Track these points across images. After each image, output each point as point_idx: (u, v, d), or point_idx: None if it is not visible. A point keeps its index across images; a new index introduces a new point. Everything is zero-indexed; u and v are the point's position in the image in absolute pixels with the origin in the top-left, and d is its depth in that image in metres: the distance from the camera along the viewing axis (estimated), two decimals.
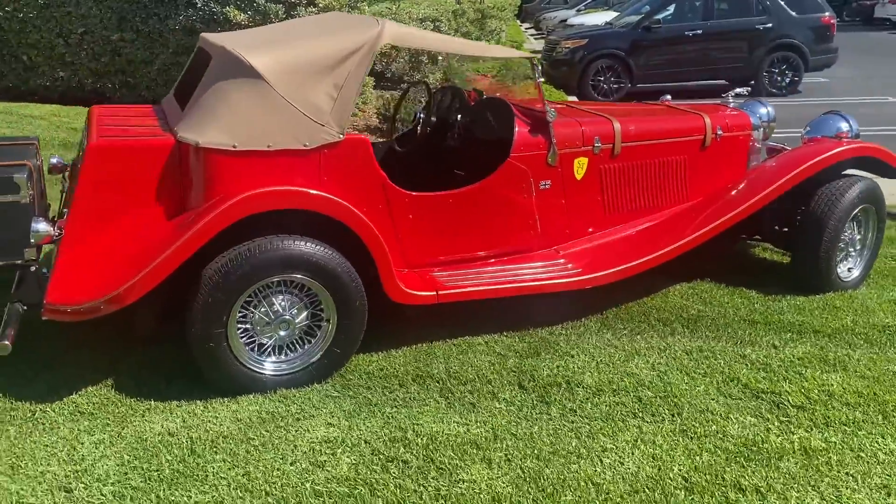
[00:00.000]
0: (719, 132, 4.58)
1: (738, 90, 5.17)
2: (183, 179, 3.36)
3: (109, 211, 3.30)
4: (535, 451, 2.93)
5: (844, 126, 4.92)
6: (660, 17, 13.43)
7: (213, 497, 2.70)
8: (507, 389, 3.38)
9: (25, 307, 3.32)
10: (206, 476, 2.80)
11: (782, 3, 13.29)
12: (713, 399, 3.31)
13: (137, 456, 2.92)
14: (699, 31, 13.21)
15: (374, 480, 2.77)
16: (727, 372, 3.52)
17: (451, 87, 4.65)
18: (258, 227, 3.24)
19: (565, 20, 25.56)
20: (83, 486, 2.76)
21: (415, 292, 3.55)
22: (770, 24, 13.10)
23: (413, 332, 3.83)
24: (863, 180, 4.46)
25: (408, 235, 3.70)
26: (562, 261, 4.03)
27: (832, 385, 3.38)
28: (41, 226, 3.18)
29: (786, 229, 4.66)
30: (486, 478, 2.77)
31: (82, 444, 3.00)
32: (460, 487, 2.73)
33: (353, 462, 2.88)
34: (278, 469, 2.84)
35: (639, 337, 3.90)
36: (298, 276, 3.28)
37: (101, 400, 3.30)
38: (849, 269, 4.59)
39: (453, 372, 3.51)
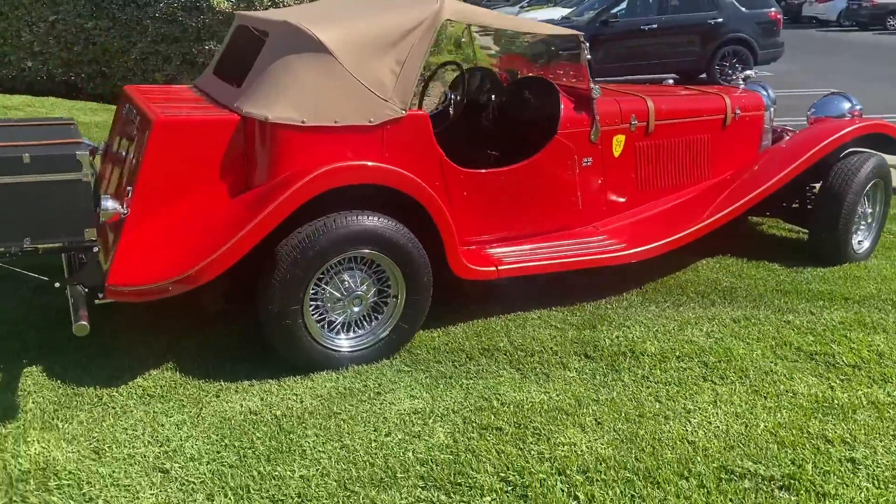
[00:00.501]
0: (738, 112, 4.74)
1: (747, 72, 5.35)
2: (247, 155, 3.31)
3: (174, 189, 3.23)
4: (623, 415, 3.00)
5: (847, 105, 5.15)
6: (615, 11, 13.73)
7: (317, 470, 2.67)
8: (575, 359, 3.44)
9: (87, 290, 3.21)
10: (304, 451, 2.78)
11: None
12: (772, 362, 3.43)
13: (225, 435, 2.87)
14: (654, 26, 13.51)
15: (474, 447, 2.79)
16: (777, 337, 3.66)
17: (481, 68, 4.68)
18: (316, 203, 3.21)
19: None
20: (178, 465, 2.70)
21: (477, 268, 3.57)
22: (721, 19, 13.51)
23: (466, 309, 3.85)
24: (874, 156, 4.68)
25: (461, 212, 3.72)
26: (603, 237, 4.12)
27: (879, 345, 3.56)
28: (110, 203, 3.08)
29: (795, 205, 4.87)
30: (583, 440, 2.83)
31: (162, 425, 2.93)
32: (562, 450, 2.77)
33: (449, 431, 2.89)
34: (375, 441, 2.84)
35: (682, 308, 4.01)
36: (370, 251, 3.26)
37: (168, 383, 3.22)
38: (859, 242, 4.81)
39: (518, 344, 3.55)
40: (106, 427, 2.92)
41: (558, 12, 18.80)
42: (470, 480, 2.62)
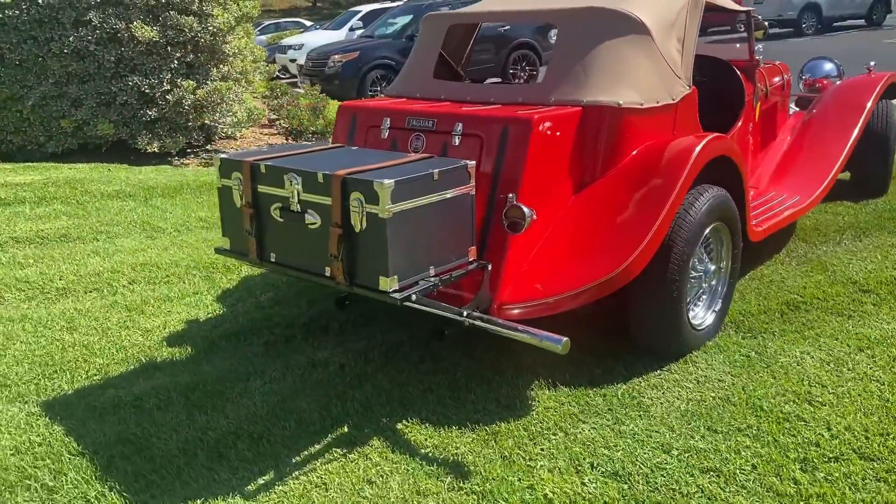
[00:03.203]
0: (786, 76, 5.39)
1: (759, 46, 6.04)
2: (587, 145, 3.14)
3: (545, 189, 2.99)
4: None
5: (829, 66, 6.10)
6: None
7: (838, 428, 2.69)
8: (863, 297, 3.74)
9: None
10: (799, 417, 2.77)
11: None
12: None
13: (711, 423, 2.76)
14: None
15: None
16: None
17: None
18: None
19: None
20: (716, 459, 2.56)
21: (757, 230, 3.73)
22: (507, 27, 14.62)
23: None
24: (888, 101, 5.61)
25: None
26: (773, 192, 4.47)
27: None
28: (527, 209, 2.77)
29: None
30: None
31: (633, 433, 2.73)
32: None
33: (881, 365, 3.05)
34: (846, 387, 2.92)
35: (844, 245, 4.49)
36: (717, 223, 3.28)
37: (572, 398, 2.97)
38: None
39: (804, 297, 3.76)
40: (587, 447, 2.65)
41: (324, 35, 18.97)
42: None
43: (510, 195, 2.87)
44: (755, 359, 3.21)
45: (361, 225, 2.53)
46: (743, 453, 2.60)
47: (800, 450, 2.60)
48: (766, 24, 4.54)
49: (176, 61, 6.95)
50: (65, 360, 3.40)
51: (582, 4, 3.33)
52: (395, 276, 2.53)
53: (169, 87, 6.88)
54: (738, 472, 2.51)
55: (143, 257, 4.51)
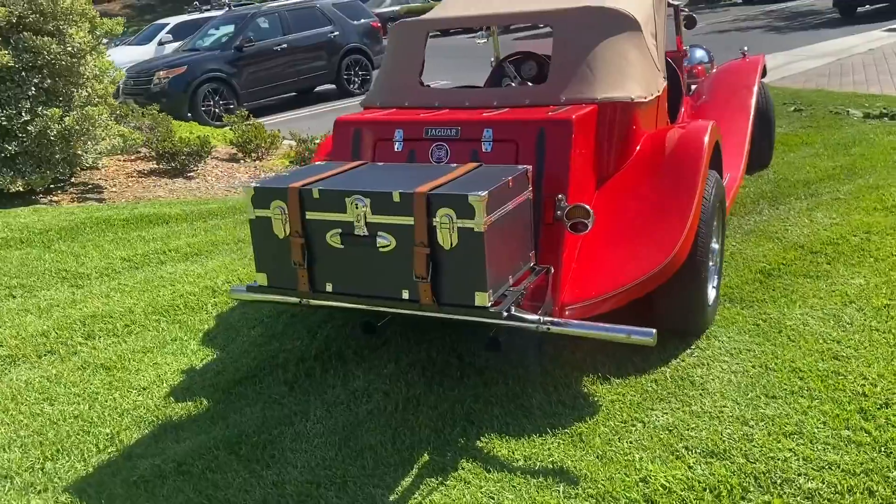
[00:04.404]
0: None
1: None
2: (601, 140, 3.20)
3: (582, 186, 3.02)
4: None
5: (701, 52, 6.64)
6: (248, 35, 13.79)
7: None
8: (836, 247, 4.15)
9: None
10: (861, 371, 3.02)
11: (339, 13, 14.87)
12: None
13: (765, 391, 2.93)
14: (285, 46, 13.94)
15: None
16: (882, 201, 4.81)
17: (523, 53, 4.83)
18: None
19: None
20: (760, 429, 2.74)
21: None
22: (337, 33, 14.52)
23: None
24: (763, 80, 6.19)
25: None
26: None
27: None
28: (590, 208, 2.78)
29: None
30: None
31: (695, 419, 2.85)
32: None
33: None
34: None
35: (767, 213, 4.92)
36: (718, 204, 3.47)
37: (631, 387, 3.04)
38: None
39: (773, 263, 4.08)
40: (671, 432, 2.73)
41: (133, 50, 17.78)
42: None
43: (559, 196, 2.88)
44: (764, 326, 3.44)
45: (451, 242, 2.43)
46: (810, 413, 2.79)
47: (853, 402, 2.83)
48: (694, 16, 4.87)
49: (34, 87, 6.21)
50: (61, 436, 2.96)
51: (569, 5, 3.40)
52: (491, 291, 2.46)
53: (29, 118, 6.14)
54: (815, 430, 2.70)
55: (86, 308, 4.00)
